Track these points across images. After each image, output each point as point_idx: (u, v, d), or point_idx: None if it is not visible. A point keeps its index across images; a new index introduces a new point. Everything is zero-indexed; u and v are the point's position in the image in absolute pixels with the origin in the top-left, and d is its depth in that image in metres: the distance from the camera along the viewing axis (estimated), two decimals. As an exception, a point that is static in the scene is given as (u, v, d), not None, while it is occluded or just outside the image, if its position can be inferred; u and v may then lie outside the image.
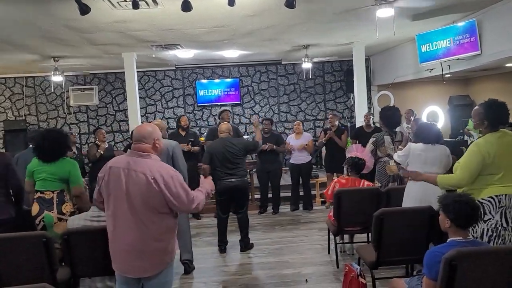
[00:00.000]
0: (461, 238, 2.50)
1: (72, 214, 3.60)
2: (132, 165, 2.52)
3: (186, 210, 2.70)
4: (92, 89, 9.83)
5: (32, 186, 3.68)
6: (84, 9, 4.44)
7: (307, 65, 8.59)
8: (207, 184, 2.89)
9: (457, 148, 6.05)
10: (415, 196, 3.87)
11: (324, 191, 4.82)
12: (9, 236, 3.25)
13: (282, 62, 10.32)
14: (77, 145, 9.77)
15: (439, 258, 2.39)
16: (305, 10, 5.36)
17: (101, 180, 2.62)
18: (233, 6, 4.39)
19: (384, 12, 4.79)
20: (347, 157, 4.95)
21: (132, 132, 2.74)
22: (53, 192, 3.58)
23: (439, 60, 7.04)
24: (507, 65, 7.79)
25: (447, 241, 2.57)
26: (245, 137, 9.00)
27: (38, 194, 3.59)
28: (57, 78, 8.29)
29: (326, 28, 6.60)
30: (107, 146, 7.05)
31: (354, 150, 4.98)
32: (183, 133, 6.79)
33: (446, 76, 7.75)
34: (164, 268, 2.61)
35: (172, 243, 2.65)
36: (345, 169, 5.09)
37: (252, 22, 5.92)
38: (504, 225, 2.92)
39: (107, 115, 10.46)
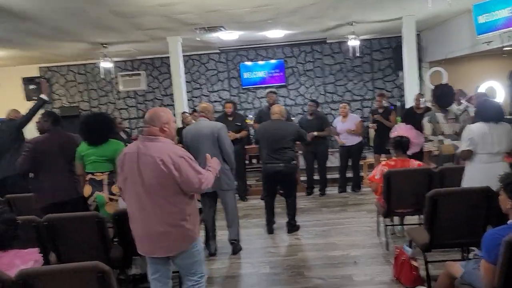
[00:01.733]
0: (524, 220, 2.32)
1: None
2: (142, 149, 2.56)
3: (196, 191, 2.67)
4: (139, 74, 10.09)
5: (82, 168, 3.82)
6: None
7: (353, 43, 8.28)
8: (215, 163, 2.91)
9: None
10: (477, 178, 3.61)
11: (370, 176, 4.62)
12: (64, 216, 3.41)
13: (328, 41, 10.02)
14: (128, 129, 10.15)
15: (499, 240, 2.24)
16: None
17: (119, 167, 2.68)
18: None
19: (438, -19, 4.49)
20: (390, 139, 4.73)
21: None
22: (103, 173, 3.71)
23: (499, 31, 6.54)
24: None
25: (508, 223, 2.40)
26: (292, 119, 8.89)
27: (90, 176, 3.75)
28: (106, 64, 8.57)
29: (374, 1, 6.31)
30: None
31: (396, 130, 4.76)
32: (230, 118, 6.75)
33: (506, 49, 7.22)
34: (188, 248, 2.64)
35: (192, 223, 2.66)
36: (391, 151, 4.87)
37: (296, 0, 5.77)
38: None
39: (154, 100, 10.71)
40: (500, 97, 9.58)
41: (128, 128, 10.52)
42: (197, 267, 2.73)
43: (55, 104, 10.69)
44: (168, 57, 8.55)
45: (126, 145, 4.49)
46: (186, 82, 9.85)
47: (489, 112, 3.70)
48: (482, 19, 6.78)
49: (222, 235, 4.82)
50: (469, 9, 6.95)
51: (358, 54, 9.23)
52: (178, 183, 2.52)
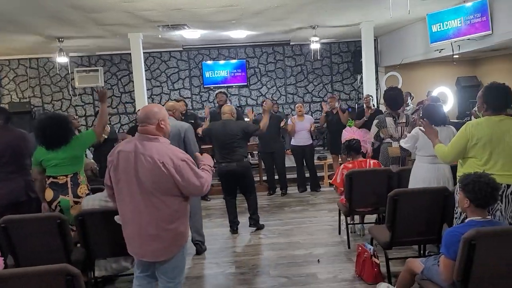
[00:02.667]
0: (480, 218, 2.49)
1: (87, 195, 3.59)
2: (140, 149, 2.47)
3: (198, 194, 2.64)
4: (97, 70, 9.75)
5: (39, 173, 3.61)
6: (92, -12, 4.36)
7: (315, 46, 8.48)
8: (208, 160, 2.84)
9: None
10: (422, 177, 3.93)
11: (332, 180, 4.79)
12: (24, 217, 3.26)
13: (290, 43, 10.19)
14: (83, 127, 9.80)
15: (458, 237, 2.39)
16: (316, -12, 5.26)
17: (110, 164, 2.57)
18: (244, -16, 4.31)
19: (398, -10, 4.70)
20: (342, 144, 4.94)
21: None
22: (66, 176, 3.55)
23: (450, 40, 6.94)
24: (518, 45, 7.68)
25: (466, 221, 2.57)
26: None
27: (51, 179, 3.54)
28: (62, 59, 8.23)
29: (337, 7, 6.49)
30: (109, 129, 7.02)
31: (345, 135, 4.97)
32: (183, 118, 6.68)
33: (455, 56, 7.65)
34: (178, 251, 2.60)
35: (185, 226, 2.63)
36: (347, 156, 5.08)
37: (261, 1, 5.82)
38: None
39: (112, 97, 10.41)
40: (449, 102, 10.16)
41: (83, 125, 10.17)
42: (178, 272, 2.66)
43: (3, 100, 10.14)
44: (128, 53, 8.36)
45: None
46: (146, 79, 9.65)
47: (435, 117, 3.97)
48: (435, 28, 7.16)
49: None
50: (424, 17, 7.31)
51: (318, 57, 9.47)
52: (178, 186, 2.46)
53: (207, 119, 6.48)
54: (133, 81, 8.21)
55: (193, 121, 6.64)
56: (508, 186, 2.95)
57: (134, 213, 2.50)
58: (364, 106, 7.04)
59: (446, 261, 2.48)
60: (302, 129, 7.02)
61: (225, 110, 5.24)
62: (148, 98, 9.71)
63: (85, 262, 3.38)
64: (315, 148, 8.08)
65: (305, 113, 7.48)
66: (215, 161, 5.27)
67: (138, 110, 7.70)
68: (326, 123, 7.36)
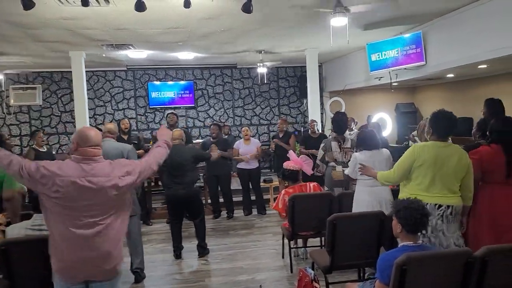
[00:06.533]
0: (411, 242, 2.57)
1: (8, 224, 3.33)
2: (91, 172, 2.37)
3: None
4: (35, 88, 9.25)
5: None
6: (28, 4, 4.17)
7: (262, 70, 8.64)
8: (165, 134, 2.88)
9: (402, 153, 6.32)
10: (364, 201, 4.04)
11: (274, 205, 4.82)
12: None
13: (237, 66, 10.31)
14: (18, 147, 9.24)
15: (391, 262, 2.45)
16: (261, 15, 5.38)
17: (49, 184, 2.33)
18: (189, 8, 4.31)
19: (338, 21, 4.90)
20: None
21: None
22: None
23: (388, 69, 7.33)
24: (449, 75, 8.27)
25: (399, 246, 2.64)
26: (198, 140, 8.88)
27: None
28: (-4, 76, 7.76)
29: (282, 34, 6.66)
30: (45, 150, 6.66)
31: (287, 162, 5.04)
32: (125, 137, 6.46)
33: (394, 84, 8.08)
34: (115, 276, 2.50)
35: (121, 249, 2.56)
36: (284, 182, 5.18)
37: (208, 25, 5.85)
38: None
39: (51, 116, 9.94)
40: (389, 127, 10.67)
41: (18, 145, 9.59)
42: None
43: None
44: (69, 71, 8.05)
45: None
46: (89, 99, 9.34)
47: (370, 141, 4.16)
48: (374, 57, 7.54)
49: (123, 263, 4.55)
50: (364, 46, 7.68)
51: (265, 81, 9.64)
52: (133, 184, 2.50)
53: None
54: (74, 100, 7.88)
55: (136, 142, 6.47)
56: (448, 206, 3.09)
57: (79, 237, 2.37)
58: (309, 130, 7.20)
59: (380, 285, 2.53)
60: (248, 152, 7.04)
61: (175, 135, 5.15)
62: (90, 117, 9.39)
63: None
64: (262, 171, 8.13)
65: (252, 136, 7.54)
66: (162, 184, 5.15)
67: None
68: (274, 147, 7.42)
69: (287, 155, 5.28)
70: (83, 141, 2.43)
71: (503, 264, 2.55)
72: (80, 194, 2.34)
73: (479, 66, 6.60)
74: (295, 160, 4.97)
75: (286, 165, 4.88)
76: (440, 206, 3.08)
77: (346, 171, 4.39)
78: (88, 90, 9.09)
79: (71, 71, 7.86)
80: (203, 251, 5.18)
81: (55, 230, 2.39)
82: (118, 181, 2.41)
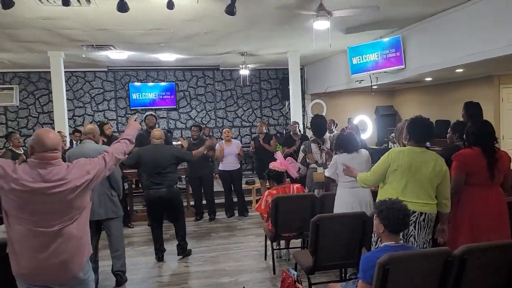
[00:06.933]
0: (393, 242, 2.62)
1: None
2: (47, 177, 2.29)
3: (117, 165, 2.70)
4: (12, 88, 9.05)
5: None
6: (7, 3, 4.08)
7: (244, 72, 8.65)
8: (130, 128, 2.84)
9: (382, 155, 6.43)
10: (345, 202, 4.10)
11: (256, 206, 4.84)
12: None
13: (220, 68, 10.30)
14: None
15: (373, 262, 2.49)
16: (245, 17, 5.40)
17: (5, 185, 2.26)
18: (172, 10, 4.29)
19: (321, 24, 4.95)
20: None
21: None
22: None
23: (368, 72, 7.44)
24: (427, 79, 8.45)
25: (381, 246, 2.69)
26: (179, 142, 8.80)
27: None
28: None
29: (264, 36, 6.70)
30: (22, 151, 6.52)
31: (272, 163, 5.07)
32: (105, 139, 6.42)
33: (374, 87, 8.21)
34: (77, 284, 2.43)
35: (82, 256, 2.48)
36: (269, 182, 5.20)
37: (190, 27, 5.84)
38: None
39: (28, 117, 9.72)
40: (369, 129, 10.82)
41: (-6, 147, 9.34)
42: None
43: None
44: (48, 71, 7.90)
45: None
46: (68, 99, 9.20)
47: (350, 144, 4.23)
48: (355, 60, 7.65)
49: (105, 265, 4.51)
50: (345, 50, 7.79)
51: (248, 83, 9.66)
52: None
53: None
54: (52, 101, 7.73)
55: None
56: (421, 213, 3.15)
57: (40, 243, 2.32)
58: (291, 132, 7.25)
59: (363, 285, 2.57)
60: (229, 153, 7.04)
61: (155, 135, 5.10)
62: (69, 119, 9.24)
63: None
64: (244, 173, 8.14)
65: (235, 138, 7.54)
66: (142, 186, 5.10)
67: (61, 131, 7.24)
68: (255, 148, 7.49)
69: (274, 155, 5.30)
70: (39, 145, 2.33)
71: (480, 262, 2.63)
72: (34, 199, 2.26)
73: (456, 70, 6.77)
74: (282, 162, 4.99)
75: (272, 165, 4.90)
76: (413, 212, 3.13)
77: (327, 172, 4.44)
78: (67, 91, 8.95)
79: (49, 72, 7.71)
80: (183, 251, 5.15)
81: (11, 234, 2.32)
82: (75, 181, 2.34)
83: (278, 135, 10.36)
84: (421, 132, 3.26)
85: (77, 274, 2.40)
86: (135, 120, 3.02)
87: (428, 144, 3.50)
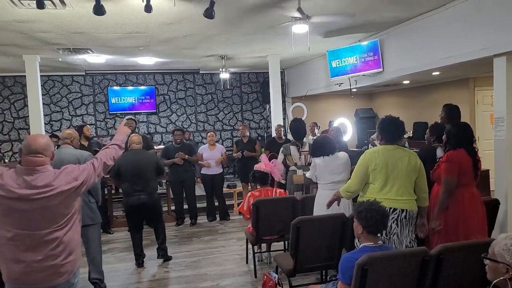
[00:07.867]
0: (372, 243, 2.65)
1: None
2: (32, 183, 2.26)
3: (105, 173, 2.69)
4: (-14, 93, 8.84)
5: None
6: (-21, 5, 3.98)
7: (224, 76, 8.63)
8: (119, 133, 2.83)
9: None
10: (325, 203, 4.09)
11: (239, 207, 4.84)
12: None
13: (200, 72, 10.25)
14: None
15: (352, 263, 2.51)
16: (224, 21, 5.39)
17: None
18: (150, 13, 4.25)
19: (299, 28, 4.98)
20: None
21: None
22: None
23: (347, 75, 7.51)
24: (405, 82, 8.60)
25: (360, 246, 2.71)
26: (161, 146, 8.73)
27: None
28: None
29: (243, 40, 6.70)
30: None
31: (259, 164, 5.09)
32: (85, 143, 6.33)
33: (353, 90, 8.29)
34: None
35: (69, 262, 2.45)
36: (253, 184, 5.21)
37: (169, 30, 5.79)
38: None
39: (4, 123, 9.47)
40: (349, 132, 10.94)
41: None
42: None
43: None
44: (23, 75, 7.72)
45: None
46: (44, 104, 9.02)
47: (326, 147, 4.26)
48: (334, 63, 7.72)
49: (82, 272, 4.40)
50: (325, 53, 7.85)
51: (228, 86, 9.65)
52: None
53: None
54: (28, 106, 7.56)
55: (98, 149, 6.28)
56: (403, 210, 3.20)
57: (26, 250, 2.31)
58: (276, 136, 7.22)
59: (342, 286, 2.59)
60: (212, 157, 7.00)
61: (134, 140, 5.02)
62: (46, 124, 9.06)
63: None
64: (226, 176, 8.10)
65: (216, 141, 7.51)
66: (122, 192, 5.08)
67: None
68: (238, 152, 7.44)
69: (259, 157, 5.32)
70: (25, 148, 2.34)
71: (455, 261, 2.68)
72: (20, 206, 2.23)
73: (433, 73, 6.90)
74: (266, 164, 4.99)
75: (258, 167, 4.90)
76: (394, 209, 3.19)
77: (307, 174, 4.47)
78: (43, 95, 8.77)
79: (24, 76, 7.54)
80: (164, 253, 5.10)
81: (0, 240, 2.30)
82: (62, 188, 2.31)
83: (259, 138, 10.38)
84: (391, 130, 3.32)
85: (68, 278, 2.39)
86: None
87: (406, 145, 3.56)
